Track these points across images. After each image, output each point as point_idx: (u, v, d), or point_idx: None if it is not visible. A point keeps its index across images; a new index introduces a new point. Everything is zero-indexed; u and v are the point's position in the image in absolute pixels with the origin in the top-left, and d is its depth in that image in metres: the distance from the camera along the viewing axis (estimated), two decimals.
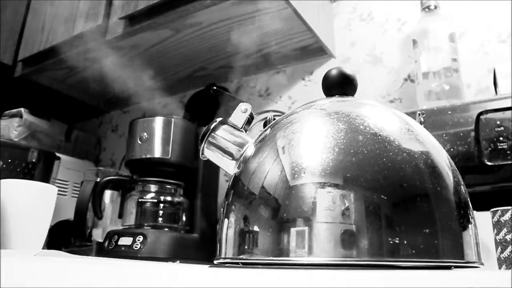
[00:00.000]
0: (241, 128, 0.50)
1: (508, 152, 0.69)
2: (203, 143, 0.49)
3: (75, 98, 1.62)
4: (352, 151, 0.38)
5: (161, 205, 0.98)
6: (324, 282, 0.26)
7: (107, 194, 1.10)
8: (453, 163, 0.43)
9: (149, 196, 0.98)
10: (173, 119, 1.00)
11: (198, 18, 1.09)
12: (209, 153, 0.50)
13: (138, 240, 0.89)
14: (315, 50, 1.23)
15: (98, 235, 1.07)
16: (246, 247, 0.39)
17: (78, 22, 1.26)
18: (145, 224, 0.96)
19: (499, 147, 0.70)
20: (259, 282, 0.28)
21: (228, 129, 0.50)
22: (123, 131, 1.70)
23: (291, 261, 0.36)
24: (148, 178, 1.00)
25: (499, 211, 0.60)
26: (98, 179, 0.99)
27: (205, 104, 1.13)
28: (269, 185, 0.40)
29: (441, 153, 0.42)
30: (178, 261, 0.79)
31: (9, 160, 1.09)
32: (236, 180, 0.45)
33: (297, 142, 0.41)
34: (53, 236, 1.10)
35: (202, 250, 0.98)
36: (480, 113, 0.72)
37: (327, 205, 0.36)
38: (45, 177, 1.18)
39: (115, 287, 0.35)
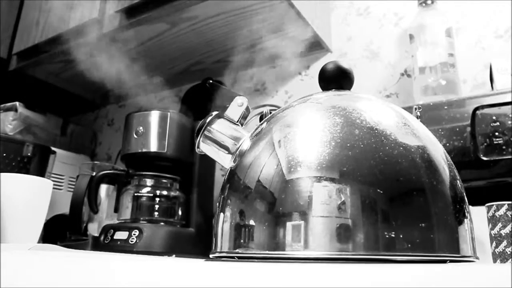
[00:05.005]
0: (237, 122, 0.50)
1: (504, 147, 0.69)
2: (199, 137, 0.49)
3: (70, 92, 1.62)
4: (348, 145, 0.38)
5: (157, 199, 0.98)
6: (320, 276, 0.26)
7: (103, 188, 1.10)
8: (449, 158, 0.43)
9: (145, 190, 0.98)
10: (169, 113, 1.00)
11: (194, 12, 1.08)
12: (205, 147, 0.49)
13: (134, 234, 0.89)
14: (312, 45, 1.23)
15: (93, 229, 1.07)
16: (241, 241, 0.39)
17: (73, 15, 1.25)
18: (141, 218, 0.95)
19: (495, 142, 0.70)
20: (255, 276, 0.28)
21: (224, 123, 0.49)
22: (119, 125, 1.70)
23: (287, 255, 0.36)
24: (144, 172, 1.00)
25: (494, 206, 0.60)
26: (94, 173, 0.99)
27: (201, 98, 1.13)
28: (265, 179, 0.39)
29: (437, 147, 0.42)
30: (174, 255, 0.79)
31: (4, 154, 1.09)
32: (232, 174, 0.45)
33: (293, 136, 0.41)
34: (49, 230, 1.10)
35: (198, 244, 0.98)
36: (476, 108, 0.73)
37: (323, 199, 0.36)
38: (41, 171, 1.17)
39: (110, 281, 0.35)
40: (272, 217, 0.37)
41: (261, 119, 0.54)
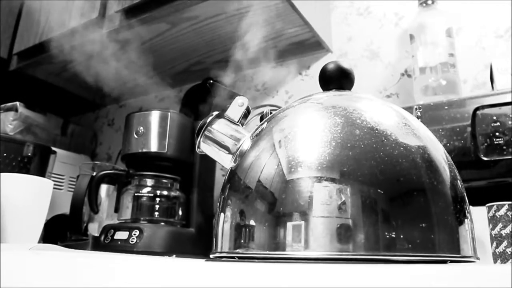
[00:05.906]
0: (238, 122, 0.50)
1: (504, 147, 0.69)
2: (199, 137, 0.49)
3: (71, 92, 1.62)
4: (349, 145, 0.38)
5: (158, 199, 0.98)
6: (320, 276, 0.26)
7: (103, 188, 1.10)
8: (449, 158, 0.43)
9: (145, 190, 0.98)
10: (169, 113, 1.00)
11: (194, 12, 1.08)
12: (205, 147, 0.49)
13: (134, 234, 0.89)
14: (312, 45, 1.23)
15: (94, 229, 1.07)
16: (242, 241, 0.39)
17: (74, 15, 1.25)
18: (141, 219, 0.95)
19: (495, 142, 0.70)
20: (255, 276, 0.28)
21: (224, 123, 0.49)
22: (119, 125, 1.70)
23: (287, 255, 0.36)
24: (144, 172, 1.00)
25: (495, 206, 0.60)
26: (94, 173, 0.99)
27: (202, 98, 1.13)
28: (266, 179, 0.39)
29: (437, 147, 0.42)
30: (174, 255, 0.79)
31: (5, 154, 1.09)
32: (232, 174, 0.45)
33: (293, 136, 0.41)
34: (49, 230, 1.10)
35: (198, 244, 0.98)
36: (477, 108, 0.72)
37: (324, 199, 0.36)
38: (41, 171, 1.17)
39: (111, 281, 0.35)
40: (273, 217, 0.37)
41: (261, 119, 0.53)
